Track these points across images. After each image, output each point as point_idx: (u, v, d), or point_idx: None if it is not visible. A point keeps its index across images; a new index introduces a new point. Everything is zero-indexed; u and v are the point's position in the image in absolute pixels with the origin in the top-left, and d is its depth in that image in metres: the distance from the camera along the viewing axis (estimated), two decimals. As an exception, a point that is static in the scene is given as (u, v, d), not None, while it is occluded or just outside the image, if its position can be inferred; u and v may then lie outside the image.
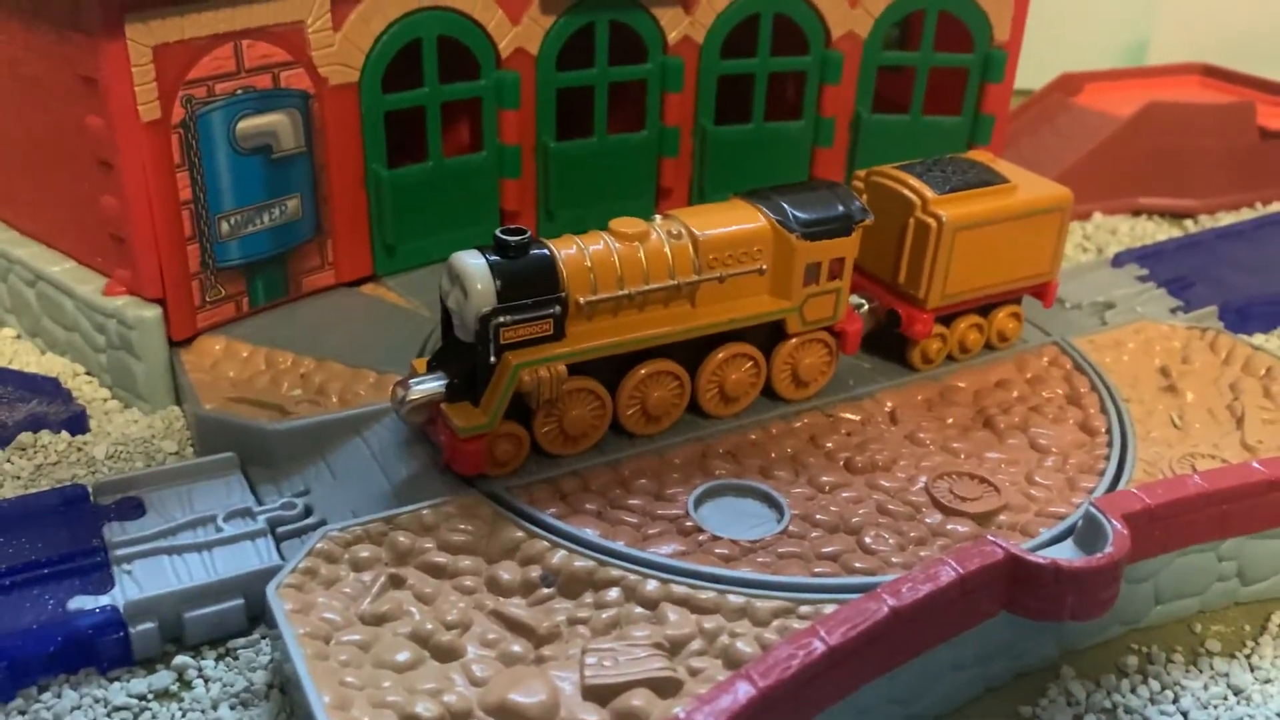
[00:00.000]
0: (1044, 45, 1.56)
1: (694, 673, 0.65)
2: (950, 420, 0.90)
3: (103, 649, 0.69)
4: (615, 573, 0.71)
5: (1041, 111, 1.52)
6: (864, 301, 0.92)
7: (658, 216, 0.84)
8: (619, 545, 0.73)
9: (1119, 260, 1.20)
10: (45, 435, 0.88)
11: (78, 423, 0.89)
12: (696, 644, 0.67)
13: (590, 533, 0.75)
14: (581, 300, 0.78)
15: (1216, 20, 1.82)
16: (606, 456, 0.83)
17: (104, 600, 0.70)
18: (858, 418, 0.89)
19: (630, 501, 0.79)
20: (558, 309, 0.77)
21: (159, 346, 0.90)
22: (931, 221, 0.88)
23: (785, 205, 0.84)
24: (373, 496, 0.79)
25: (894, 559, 0.74)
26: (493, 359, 0.76)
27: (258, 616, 0.73)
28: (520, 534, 0.75)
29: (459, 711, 0.62)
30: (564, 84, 1.08)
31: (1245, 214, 1.42)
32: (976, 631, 0.69)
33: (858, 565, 0.74)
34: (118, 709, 0.67)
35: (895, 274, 0.92)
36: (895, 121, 1.20)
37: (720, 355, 0.85)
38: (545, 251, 0.77)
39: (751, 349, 0.86)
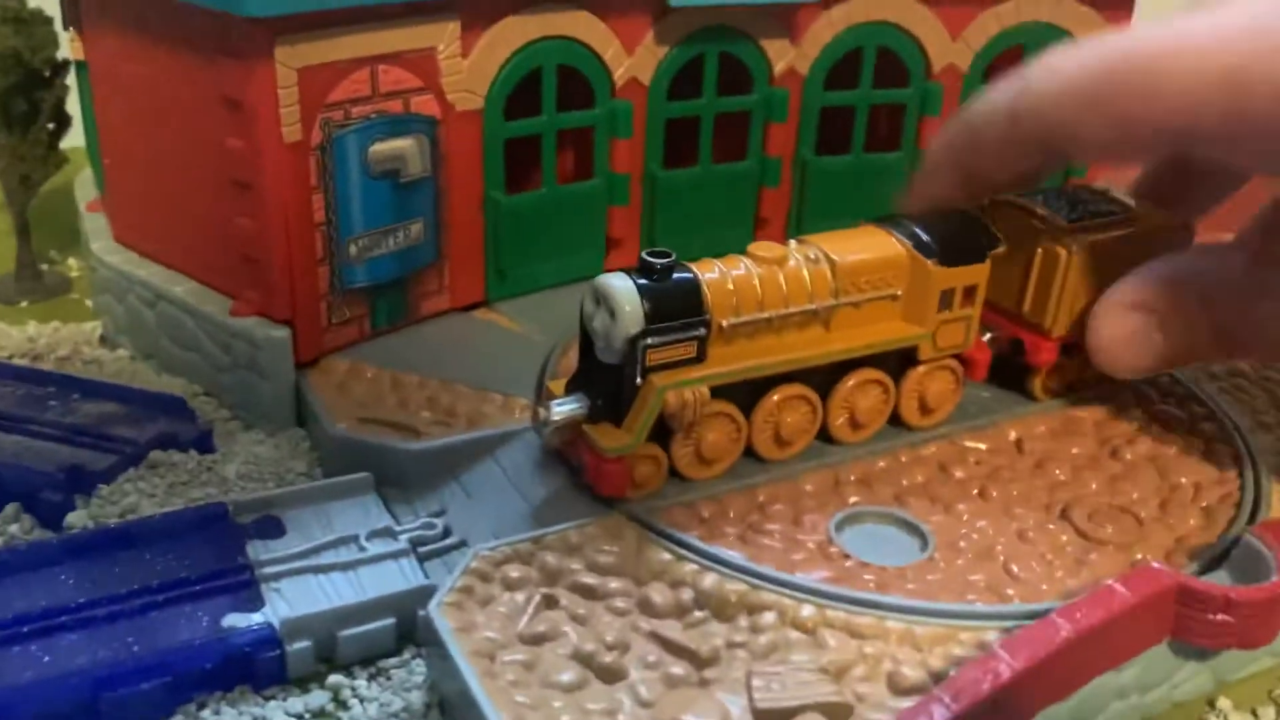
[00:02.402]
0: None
1: (860, 698, 0.64)
2: (1076, 450, 0.89)
3: (259, 667, 0.69)
4: (768, 596, 0.71)
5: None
6: (989, 330, 0.92)
7: (793, 241, 0.84)
8: (769, 569, 0.73)
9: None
10: (175, 454, 0.88)
11: (205, 442, 0.90)
12: (860, 669, 0.66)
13: (738, 556, 0.74)
14: (724, 323, 0.78)
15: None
16: (740, 481, 0.83)
17: (257, 618, 0.70)
18: (984, 446, 0.89)
19: (769, 526, 0.79)
20: (702, 331, 0.77)
21: (286, 367, 0.91)
22: (1061, 251, 0.88)
23: (919, 231, 0.85)
24: (511, 517, 0.79)
25: (1043, 586, 0.74)
26: (639, 380, 0.76)
27: (405, 636, 0.73)
28: (667, 556, 0.74)
29: (634, 732, 0.61)
30: (674, 114, 1.09)
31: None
32: (1139, 660, 0.68)
33: (1009, 592, 0.73)
34: (277, 727, 0.67)
35: (1019, 302, 0.92)
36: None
37: (851, 381, 0.85)
38: (690, 274, 0.78)
39: (882, 375, 0.86)
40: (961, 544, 0.78)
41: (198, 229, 0.94)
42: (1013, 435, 0.91)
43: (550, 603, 0.71)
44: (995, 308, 0.94)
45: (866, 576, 0.74)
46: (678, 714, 0.62)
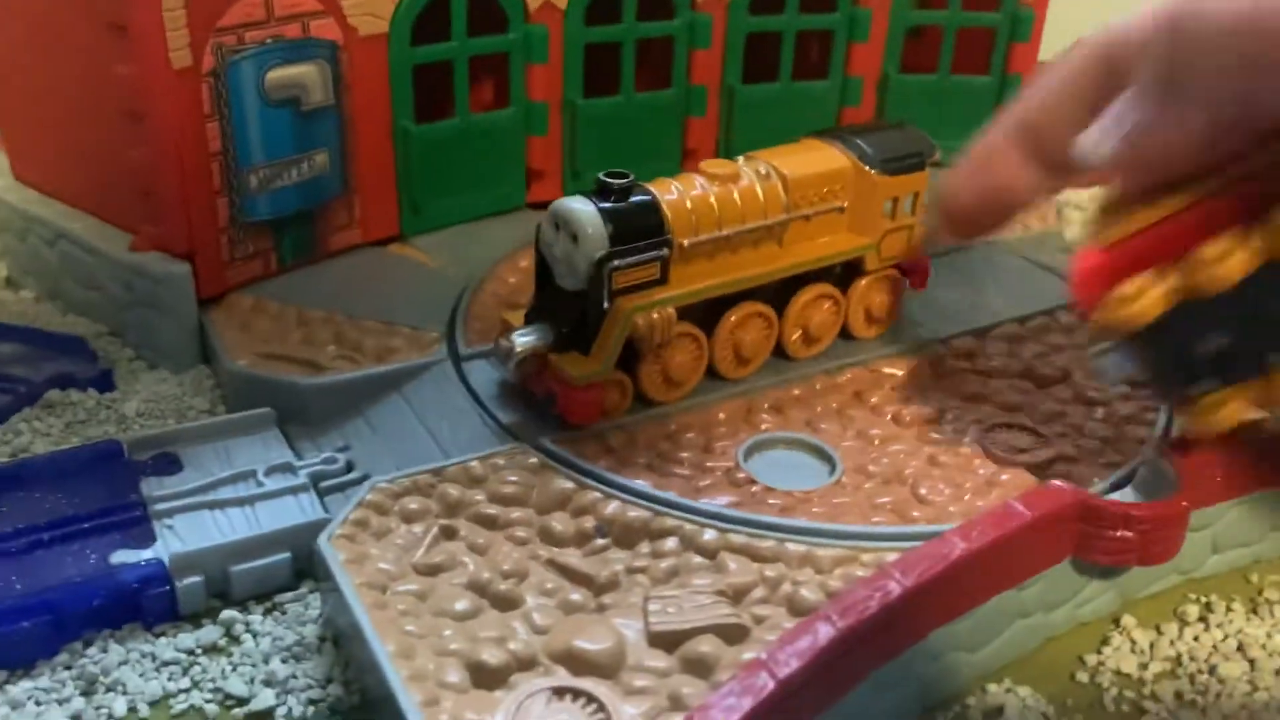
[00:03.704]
0: (1067, 12, 1.54)
1: (759, 620, 0.64)
2: (993, 374, 0.89)
3: (148, 603, 0.67)
4: (671, 522, 0.70)
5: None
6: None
7: (741, 158, 0.83)
8: (672, 495, 0.72)
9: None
10: (73, 393, 0.85)
11: (105, 381, 0.87)
12: (759, 592, 0.66)
13: (642, 484, 0.73)
14: (685, 243, 0.78)
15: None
16: (652, 412, 0.81)
17: (147, 554, 0.69)
18: (901, 372, 0.88)
19: (679, 455, 0.78)
20: (665, 252, 0.76)
21: (188, 303, 0.88)
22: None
23: (861, 143, 0.85)
24: (416, 451, 0.78)
25: (951, 508, 0.73)
26: (605, 304, 0.75)
27: (303, 571, 0.72)
28: (570, 485, 0.73)
29: (524, 659, 0.60)
30: (592, 39, 1.06)
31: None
32: (1041, 579, 0.68)
33: (915, 514, 0.72)
34: (166, 664, 0.65)
35: None
36: (923, 81, 1.19)
37: (805, 296, 0.85)
38: (649, 195, 0.77)
39: (833, 289, 0.86)
40: (871, 468, 0.77)
41: (94, 163, 0.91)
42: (930, 359, 0.90)
43: (449, 534, 0.69)
44: None
45: (772, 501, 0.73)
46: (571, 639, 0.61)
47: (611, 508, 0.71)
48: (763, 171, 0.82)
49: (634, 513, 0.71)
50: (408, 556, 0.67)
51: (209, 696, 0.63)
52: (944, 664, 0.65)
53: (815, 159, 0.84)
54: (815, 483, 0.76)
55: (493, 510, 0.71)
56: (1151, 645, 0.70)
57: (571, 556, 0.68)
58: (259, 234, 0.92)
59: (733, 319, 0.83)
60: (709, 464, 0.77)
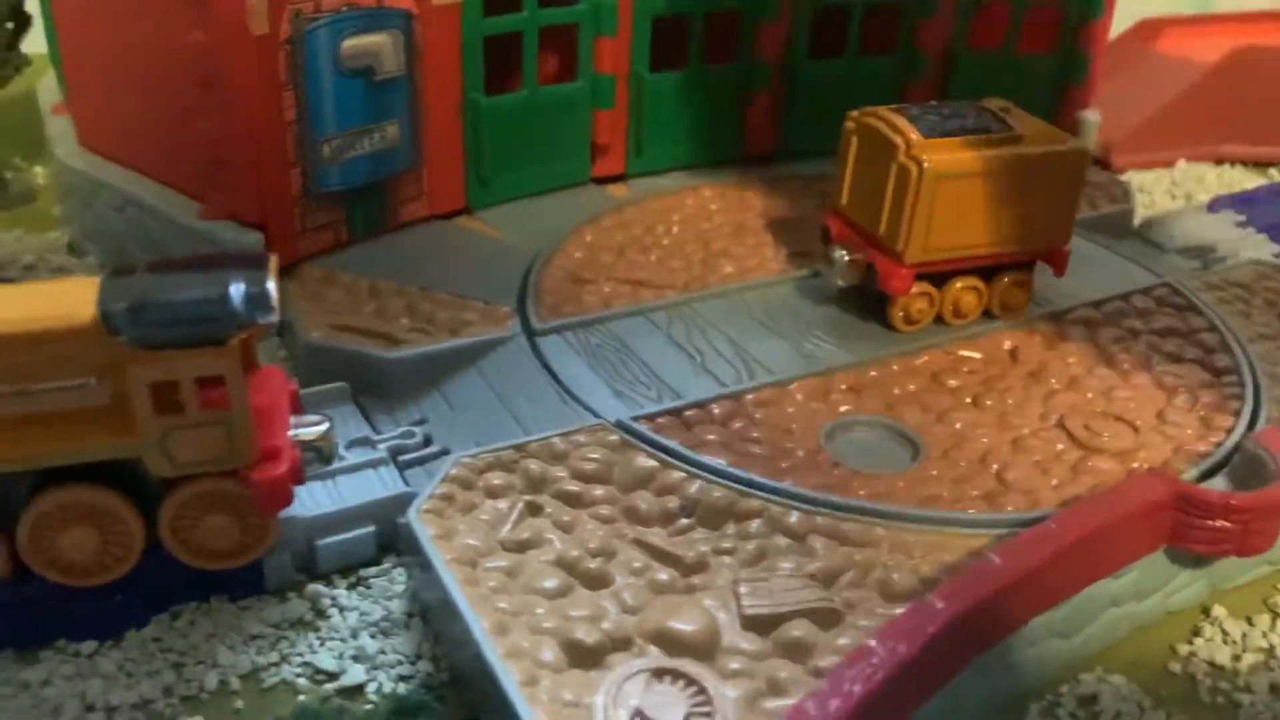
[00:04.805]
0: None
1: (850, 605, 0.63)
2: (1072, 359, 0.87)
3: (236, 576, 0.67)
4: (756, 504, 0.69)
5: (1120, 59, 1.48)
6: (847, 252, 0.88)
7: None
8: (756, 476, 0.71)
9: (1215, 206, 1.17)
10: (146, 363, 0.85)
11: (177, 351, 0.86)
12: (849, 576, 0.65)
13: (723, 463, 0.72)
14: None
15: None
16: (726, 389, 0.81)
17: (233, 526, 0.68)
18: (979, 356, 0.87)
19: (754, 434, 0.77)
20: None
21: (260, 273, 0.88)
22: (912, 167, 0.83)
23: None
24: (494, 426, 0.77)
25: (1040, 495, 0.72)
26: None
27: (386, 545, 0.71)
28: (652, 463, 0.72)
29: (618, 638, 0.60)
30: (661, 13, 1.04)
31: (1332, 163, 1.39)
32: (1134, 567, 0.67)
33: (1003, 500, 0.72)
34: (254, 638, 0.65)
35: (876, 224, 0.87)
36: (989, 57, 1.17)
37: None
38: None
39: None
40: (954, 453, 0.76)
41: (164, 129, 0.90)
42: (1007, 345, 0.89)
43: (534, 510, 0.69)
44: (859, 229, 0.89)
45: (857, 484, 0.72)
46: (664, 619, 0.60)
47: (695, 487, 0.70)
48: None
49: (718, 493, 0.70)
50: (495, 532, 0.67)
51: (299, 671, 0.63)
52: (1038, 651, 0.64)
53: None
54: (898, 466, 0.75)
55: (575, 487, 0.70)
56: (1244, 636, 0.69)
57: (657, 536, 0.68)
58: (331, 205, 0.91)
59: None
60: (788, 445, 0.76)
